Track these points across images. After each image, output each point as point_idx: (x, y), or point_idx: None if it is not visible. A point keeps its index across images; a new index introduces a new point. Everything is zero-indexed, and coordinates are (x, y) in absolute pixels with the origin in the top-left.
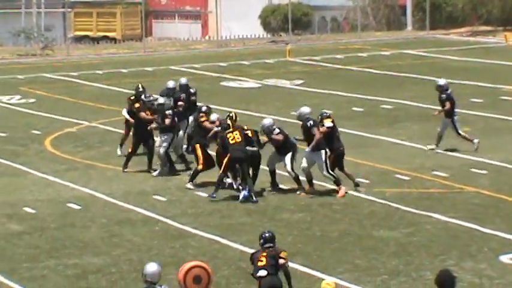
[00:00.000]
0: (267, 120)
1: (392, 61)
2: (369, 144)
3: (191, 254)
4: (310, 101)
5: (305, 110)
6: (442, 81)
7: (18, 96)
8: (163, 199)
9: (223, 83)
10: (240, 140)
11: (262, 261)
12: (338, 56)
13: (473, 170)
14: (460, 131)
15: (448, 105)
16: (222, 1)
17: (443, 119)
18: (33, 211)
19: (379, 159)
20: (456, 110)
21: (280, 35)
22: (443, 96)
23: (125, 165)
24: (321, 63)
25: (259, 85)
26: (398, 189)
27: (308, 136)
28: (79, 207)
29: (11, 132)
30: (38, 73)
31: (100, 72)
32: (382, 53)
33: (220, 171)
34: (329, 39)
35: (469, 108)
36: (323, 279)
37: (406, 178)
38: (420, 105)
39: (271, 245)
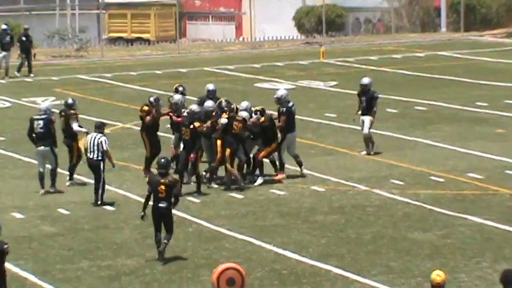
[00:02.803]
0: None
1: (426, 63)
2: (403, 146)
3: (225, 255)
4: (343, 102)
5: (284, 91)
6: (366, 80)
7: (53, 98)
8: (197, 201)
9: (257, 85)
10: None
11: (162, 193)
12: (372, 58)
13: (508, 171)
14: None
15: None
16: (256, 3)
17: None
18: (67, 212)
19: (413, 160)
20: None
21: (314, 37)
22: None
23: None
24: (355, 65)
25: (293, 86)
26: (432, 191)
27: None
28: (113, 209)
29: None
30: (72, 74)
31: (134, 73)
32: (416, 54)
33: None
34: (363, 41)
35: (503, 109)
36: (358, 282)
37: (441, 180)
38: (454, 106)
39: (164, 171)
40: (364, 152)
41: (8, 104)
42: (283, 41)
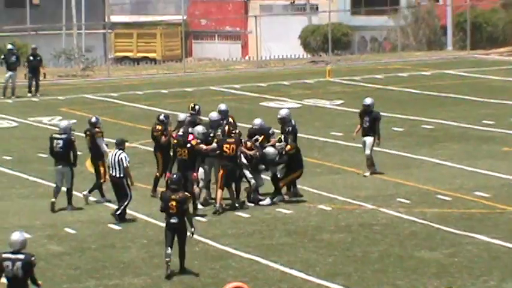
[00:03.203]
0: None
1: (432, 81)
2: (410, 165)
3: (231, 274)
4: (350, 121)
5: (287, 111)
6: (369, 100)
7: (59, 117)
8: (204, 220)
9: (263, 103)
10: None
11: (173, 209)
12: (378, 76)
13: None
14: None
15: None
16: (262, 22)
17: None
18: (73, 232)
19: (419, 179)
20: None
21: (320, 55)
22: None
23: (154, 190)
24: (361, 83)
25: (299, 105)
26: (439, 209)
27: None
28: (119, 228)
29: None
30: (79, 94)
31: (140, 92)
32: (423, 73)
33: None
34: (369, 59)
35: (509, 128)
36: None
37: (447, 198)
38: (461, 125)
39: (176, 187)
40: (368, 173)
41: (14, 124)
42: (289, 59)
